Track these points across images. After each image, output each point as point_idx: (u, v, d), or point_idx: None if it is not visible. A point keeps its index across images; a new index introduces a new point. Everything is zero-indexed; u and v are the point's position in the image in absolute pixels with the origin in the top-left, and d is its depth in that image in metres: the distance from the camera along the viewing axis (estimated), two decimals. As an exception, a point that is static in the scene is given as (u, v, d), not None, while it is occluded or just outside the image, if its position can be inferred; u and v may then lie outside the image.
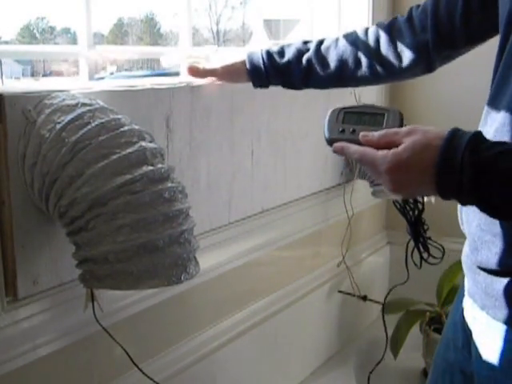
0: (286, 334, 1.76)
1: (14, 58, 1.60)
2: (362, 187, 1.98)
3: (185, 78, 1.32)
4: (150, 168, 0.94)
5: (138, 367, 1.17)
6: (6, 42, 1.49)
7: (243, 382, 1.59)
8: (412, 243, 1.43)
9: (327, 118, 0.86)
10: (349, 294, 2.02)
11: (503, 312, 0.85)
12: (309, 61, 1.19)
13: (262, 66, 1.21)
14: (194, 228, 0.99)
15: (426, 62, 1.15)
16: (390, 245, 2.40)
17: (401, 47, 1.14)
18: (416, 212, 1.16)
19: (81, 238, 0.93)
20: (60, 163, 0.92)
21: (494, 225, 0.83)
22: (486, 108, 0.88)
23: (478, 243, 0.86)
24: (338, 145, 0.83)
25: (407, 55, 1.14)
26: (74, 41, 1.33)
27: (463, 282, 0.97)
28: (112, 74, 1.97)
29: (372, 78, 1.20)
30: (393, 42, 1.15)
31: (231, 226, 1.48)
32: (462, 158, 0.71)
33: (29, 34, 1.67)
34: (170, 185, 0.96)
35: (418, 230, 1.19)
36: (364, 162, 0.79)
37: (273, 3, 2.14)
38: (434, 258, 1.23)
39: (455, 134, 0.74)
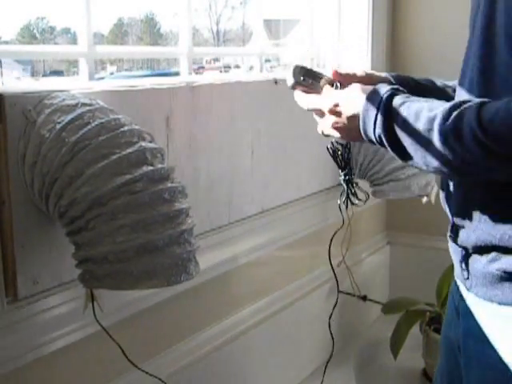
0: (286, 334, 1.76)
1: (13, 58, 1.60)
2: (362, 187, 1.98)
3: (185, 78, 1.32)
4: (150, 168, 0.94)
5: (136, 366, 1.17)
6: (6, 42, 1.49)
7: (243, 382, 1.59)
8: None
9: (291, 70, 1.02)
10: (349, 294, 2.02)
11: (484, 289, 0.92)
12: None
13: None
14: (193, 228, 0.99)
15: None
16: (390, 245, 2.40)
17: None
18: (346, 156, 1.24)
19: (81, 238, 0.93)
20: (60, 163, 0.93)
21: (470, 207, 0.91)
22: (457, 88, 0.97)
23: (458, 225, 0.95)
24: (298, 92, 1.02)
25: None
26: (74, 41, 1.33)
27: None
28: (112, 74, 1.97)
29: None
30: None
31: (231, 225, 1.48)
32: (380, 100, 0.88)
33: (29, 34, 1.67)
34: (169, 185, 0.96)
35: (348, 174, 1.27)
36: (311, 107, 1.00)
37: (273, 3, 2.14)
38: (360, 200, 1.31)
39: (381, 85, 0.91)
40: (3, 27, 1.45)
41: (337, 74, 1.10)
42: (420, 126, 0.82)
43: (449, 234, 0.99)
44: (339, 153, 1.28)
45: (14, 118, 0.96)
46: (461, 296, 1.00)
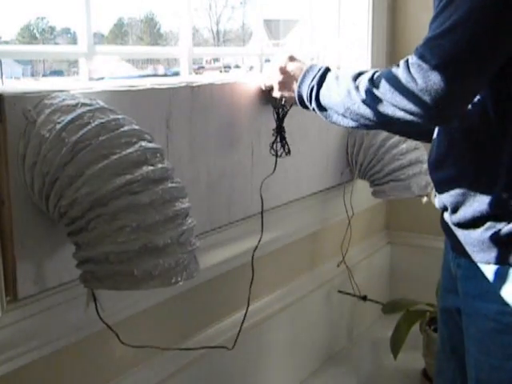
0: (286, 334, 1.76)
1: (14, 57, 1.60)
2: (362, 187, 1.98)
3: (185, 78, 1.31)
4: (150, 168, 0.94)
5: (179, 349, 1.17)
6: (6, 42, 1.49)
7: (242, 382, 1.59)
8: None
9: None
10: (349, 294, 2.02)
11: (480, 254, 1.11)
12: None
13: None
14: (194, 228, 0.99)
15: None
16: (390, 245, 2.40)
17: None
18: (284, 111, 1.48)
19: (81, 239, 0.93)
20: (60, 163, 0.92)
21: (462, 189, 1.12)
22: None
23: (456, 207, 1.14)
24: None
25: None
26: (74, 41, 1.33)
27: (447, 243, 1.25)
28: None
29: None
30: None
31: (231, 225, 1.48)
32: (318, 71, 1.21)
33: (29, 34, 1.67)
34: (170, 185, 0.96)
35: (281, 127, 1.50)
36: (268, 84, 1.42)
37: (273, 3, 2.14)
38: (287, 154, 1.52)
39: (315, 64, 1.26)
40: (3, 27, 1.45)
41: None
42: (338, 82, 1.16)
43: (449, 215, 1.16)
44: (280, 110, 1.47)
45: (13, 118, 0.96)
46: (458, 265, 1.18)
